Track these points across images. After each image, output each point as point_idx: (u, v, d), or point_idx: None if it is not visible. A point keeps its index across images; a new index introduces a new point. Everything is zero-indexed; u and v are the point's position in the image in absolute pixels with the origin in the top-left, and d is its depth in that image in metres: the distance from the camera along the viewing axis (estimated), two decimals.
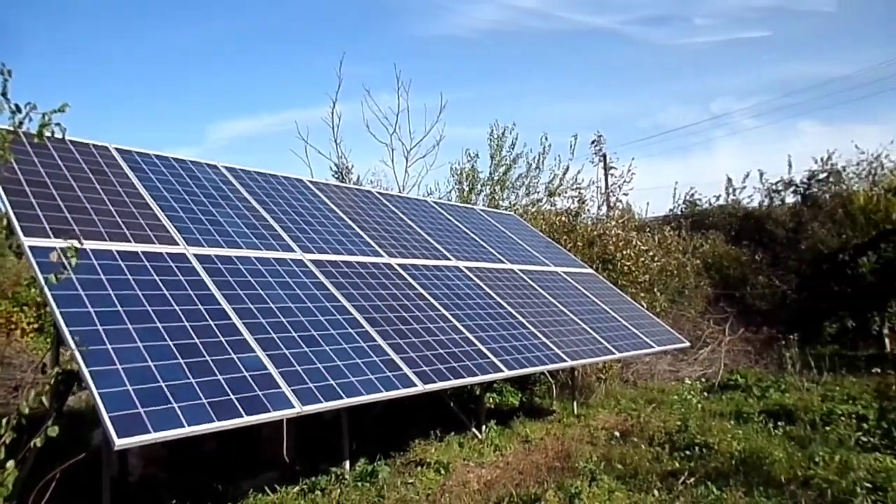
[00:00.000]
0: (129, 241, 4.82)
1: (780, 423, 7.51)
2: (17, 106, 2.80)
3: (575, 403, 9.09)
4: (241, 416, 3.79)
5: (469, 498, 5.69)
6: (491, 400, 9.48)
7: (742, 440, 6.84)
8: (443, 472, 6.42)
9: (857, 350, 14.51)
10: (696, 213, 23.03)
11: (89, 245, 4.55)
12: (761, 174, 22.41)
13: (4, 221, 4.54)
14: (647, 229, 14.41)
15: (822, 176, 20.72)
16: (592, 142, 18.08)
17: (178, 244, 5.13)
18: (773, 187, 22.43)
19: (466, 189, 15.38)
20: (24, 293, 13.81)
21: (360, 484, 5.93)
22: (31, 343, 12.16)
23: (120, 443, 3.26)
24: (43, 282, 3.99)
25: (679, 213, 23.44)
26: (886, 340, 15.19)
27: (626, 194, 15.77)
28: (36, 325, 13.12)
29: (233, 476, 6.04)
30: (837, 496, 5.21)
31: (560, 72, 39.14)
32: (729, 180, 23.22)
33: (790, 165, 21.92)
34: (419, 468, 6.48)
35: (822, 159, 20.41)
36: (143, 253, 4.78)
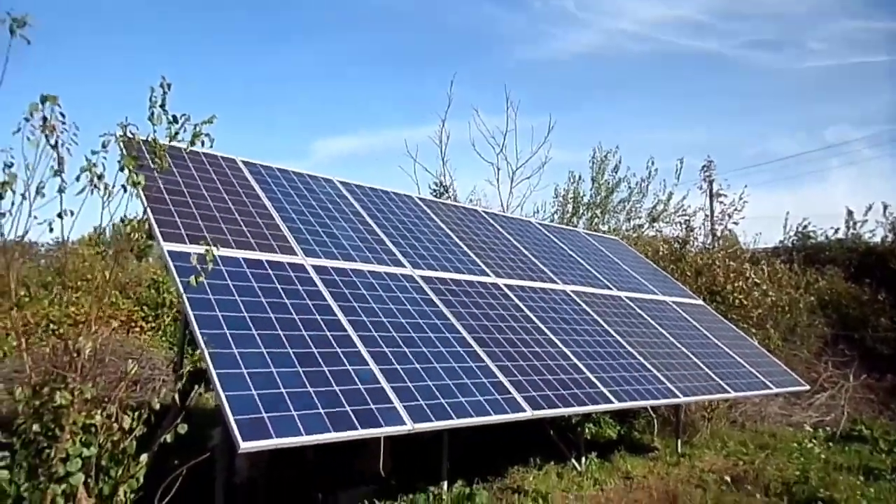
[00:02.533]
0: (255, 250, 5.00)
1: None
2: (174, 117, 2.97)
3: (679, 441, 8.62)
4: (356, 429, 3.80)
5: None
6: (588, 431, 9.16)
7: (872, 500, 6.24)
8: (541, 502, 6.23)
9: None
10: (809, 246, 21.58)
11: (219, 252, 4.75)
12: (885, 207, 20.76)
13: (146, 226, 4.83)
14: (758, 261, 13.58)
15: None
16: (703, 167, 17.42)
17: (297, 255, 5.28)
18: None
19: (570, 212, 15.14)
20: (145, 293, 14.76)
21: None
22: (149, 340, 12.94)
23: (245, 446, 3.33)
24: (180, 284, 4.19)
25: (790, 245, 22.05)
26: None
27: (735, 223, 14.96)
28: (154, 325, 13.96)
29: (331, 486, 6.09)
30: None
31: (663, 96, 38.00)
32: (850, 213, 21.64)
33: None
34: (516, 495, 6.32)
35: None
36: (267, 262, 4.95)
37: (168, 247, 4.51)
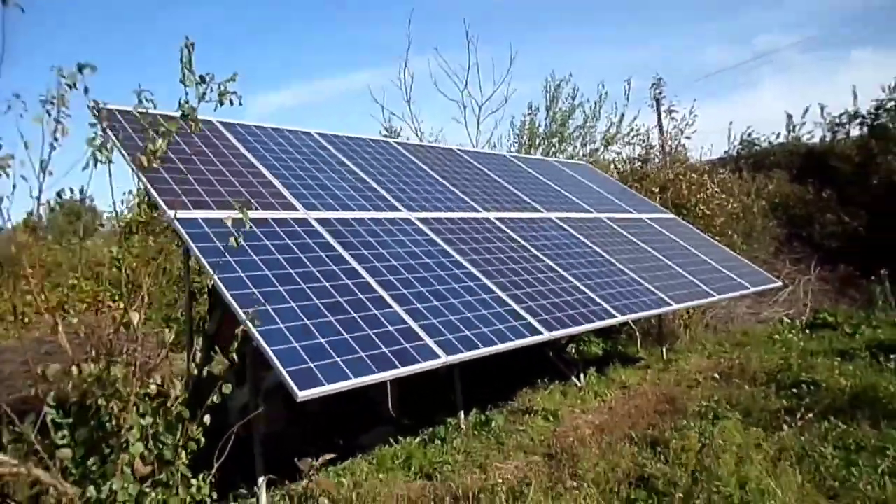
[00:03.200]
0: (257, 209, 4.99)
1: (882, 359, 7.41)
2: (201, 77, 2.93)
3: (663, 349, 9.11)
4: (398, 367, 3.95)
5: (585, 441, 5.83)
6: (574, 350, 9.57)
7: (851, 376, 6.80)
8: (551, 419, 6.57)
9: None
10: (754, 153, 22.34)
11: (223, 214, 4.72)
12: (822, 108, 21.57)
13: (145, 197, 4.75)
14: (713, 172, 14.10)
15: (889, 105, 19.82)
16: (652, 85, 17.65)
17: (297, 209, 5.29)
18: (837, 121, 21.57)
19: (526, 143, 15.27)
20: (106, 272, 14.38)
21: (476, 432, 6.13)
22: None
23: (302, 395, 3.45)
24: (197, 251, 4.19)
25: (736, 154, 22.77)
26: None
27: (688, 138, 15.38)
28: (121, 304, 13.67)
29: (349, 431, 6.28)
30: None
31: (602, 18, 37.82)
32: (789, 117, 22.41)
33: (855, 96, 20.99)
34: (527, 416, 6.64)
35: (889, 87, 19.50)
36: (273, 220, 4.95)
37: (177, 214, 4.46)
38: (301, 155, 6.29)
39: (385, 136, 15.62)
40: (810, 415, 5.77)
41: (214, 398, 3.80)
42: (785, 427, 5.37)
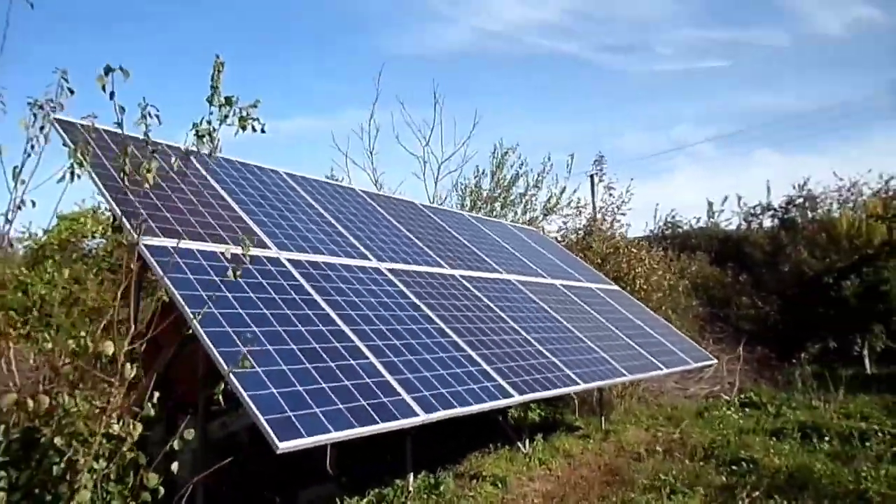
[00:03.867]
0: (228, 244, 4.74)
1: (815, 440, 7.74)
2: (226, 98, 2.78)
3: (602, 419, 9.20)
4: (377, 423, 3.76)
5: None
6: (514, 414, 9.52)
7: (785, 455, 7.05)
8: (500, 485, 6.43)
9: (838, 370, 14.95)
10: (677, 234, 23.55)
11: (194, 245, 4.45)
12: (739, 199, 23.19)
13: (110, 220, 4.42)
14: (650, 248, 14.72)
15: (798, 201, 21.51)
16: (595, 161, 18.47)
17: (270, 248, 5.07)
18: (751, 211, 23.19)
19: (469, 205, 15.52)
20: (10, 297, 13.28)
21: (426, 496, 5.91)
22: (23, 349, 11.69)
23: (283, 446, 3.20)
24: (168, 282, 3.90)
25: (660, 233, 23.92)
26: (867, 361, 15.77)
27: (623, 214, 16.04)
28: (23, 331, 12.60)
29: (286, 486, 5.92)
30: None
31: (531, 95, 39.52)
32: (710, 204, 23.90)
33: (768, 190, 22.73)
34: (475, 481, 6.48)
35: (798, 185, 21.22)
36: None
37: (146, 241, 4.17)
38: (270, 193, 6.08)
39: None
40: (756, 493, 5.90)
41: (175, 444, 3.49)
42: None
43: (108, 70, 2.61)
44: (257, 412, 3.28)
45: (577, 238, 13.09)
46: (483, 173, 16.27)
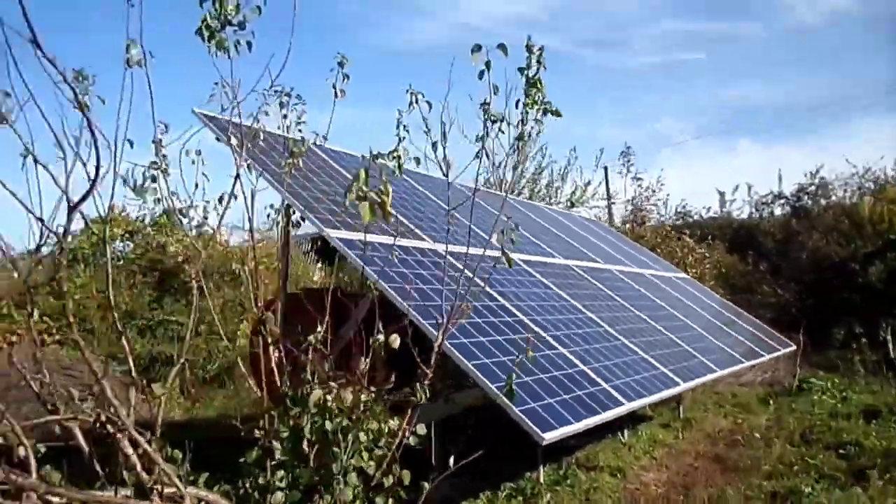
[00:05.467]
0: (387, 236, 4.63)
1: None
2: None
3: (680, 408, 9.22)
4: (599, 413, 3.71)
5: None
6: None
7: (887, 438, 7.13)
8: (618, 475, 6.43)
9: (865, 354, 15.12)
10: (689, 224, 23.74)
11: (372, 238, 4.35)
12: (749, 187, 23.51)
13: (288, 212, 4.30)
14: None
15: (811, 189, 21.84)
16: (622, 153, 18.58)
17: (425, 240, 4.96)
18: (762, 200, 23.49)
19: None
20: (43, 302, 12.94)
21: (557, 488, 5.89)
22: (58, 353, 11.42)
23: (548, 437, 3.12)
24: (372, 272, 3.79)
25: (671, 224, 24.11)
26: (890, 345, 16.02)
27: (654, 205, 16.14)
28: (59, 336, 12.31)
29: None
30: None
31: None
32: (721, 193, 24.18)
33: (780, 179, 23.10)
34: (592, 472, 6.46)
35: (811, 173, 21.57)
36: (413, 248, 4.60)
37: (336, 234, 4.05)
38: (397, 187, 5.98)
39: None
40: (887, 474, 5.92)
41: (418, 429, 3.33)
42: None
43: None
44: (514, 407, 3.19)
45: (630, 227, 13.11)
46: (504, 165, 16.25)
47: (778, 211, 23.38)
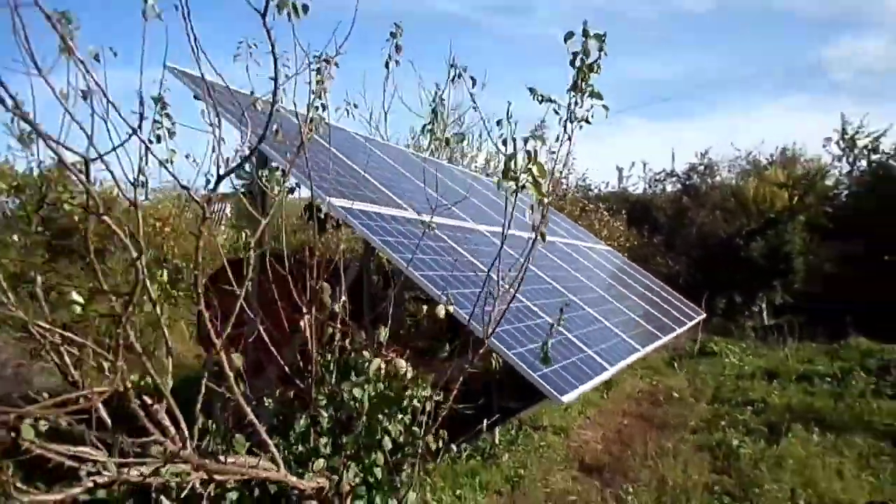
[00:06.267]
0: (379, 205, 4.65)
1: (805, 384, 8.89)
2: None
3: None
4: (597, 375, 3.98)
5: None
6: None
7: (787, 396, 8.07)
8: (561, 434, 6.91)
9: (742, 322, 16.69)
10: (589, 197, 24.91)
11: (365, 206, 4.35)
12: (644, 164, 25.01)
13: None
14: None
15: (700, 168, 23.56)
16: (536, 126, 18.92)
17: (407, 210, 5.01)
18: (656, 177, 25.07)
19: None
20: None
21: (512, 448, 6.24)
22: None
23: (566, 399, 3.35)
24: (379, 242, 3.82)
25: (574, 196, 25.18)
26: (764, 314, 17.86)
27: (565, 177, 16.82)
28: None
29: None
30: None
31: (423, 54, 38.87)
32: (619, 170, 25.51)
33: (673, 158, 24.67)
34: (538, 431, 6.89)
35: (700, 154, 23.25)
36: (401, 217, 4.65)
37: (339, 203, 4.02)
38: (362, 153, 5.94)
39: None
40: (793, 425, 6.72)
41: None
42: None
43: None
44: (528, 369, 3.39)
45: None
46: (420, 131, 16.35)
47: (670, 188, 25.09)
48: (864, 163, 20.24)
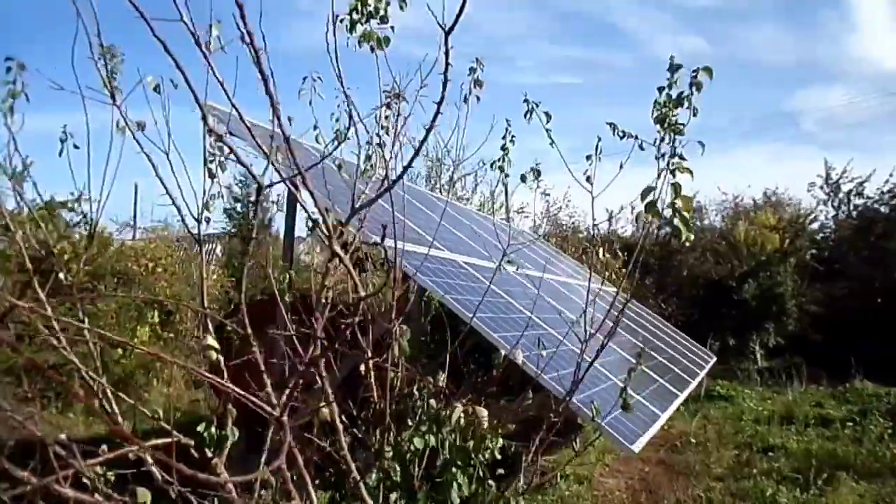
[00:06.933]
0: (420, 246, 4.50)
1: (809, 427, 8.76)
2: None
3: None
4: (651, 425, 3.80)
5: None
6: None
7: (806, 442, 7.90)
8: (584, 483, 6.67)
9: (735, 366, 16.59)
10: (580, 239, 24.98)
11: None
12: (633, 208, 25.12)
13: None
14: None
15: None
16: (531, 169, 19.06)
17: (442, 250, 4.86)
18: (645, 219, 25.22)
19: None
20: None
21: (538, 498, 6.00)
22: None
23: (636, 447, 3.17)
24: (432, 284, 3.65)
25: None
26: (758, 356, 17.82)
27: (562, 220, 16.87)
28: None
29: None
30: None
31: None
32: (609, 212, 25.58)
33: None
34: (562, 480, 6.64)
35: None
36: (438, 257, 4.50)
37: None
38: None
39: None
40: (823, 475, 6.52)
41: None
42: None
43: None
44: (604, 425, 3.21)
45: (553, 241, 13.59)
46: (419, 175, 16.41)
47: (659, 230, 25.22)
48: (847, 207, 20.61)
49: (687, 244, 1.80)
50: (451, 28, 2.01)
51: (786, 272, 17.85)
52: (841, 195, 20.78)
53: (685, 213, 1.99)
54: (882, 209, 19.13)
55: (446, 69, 2.05)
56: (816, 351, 14.84)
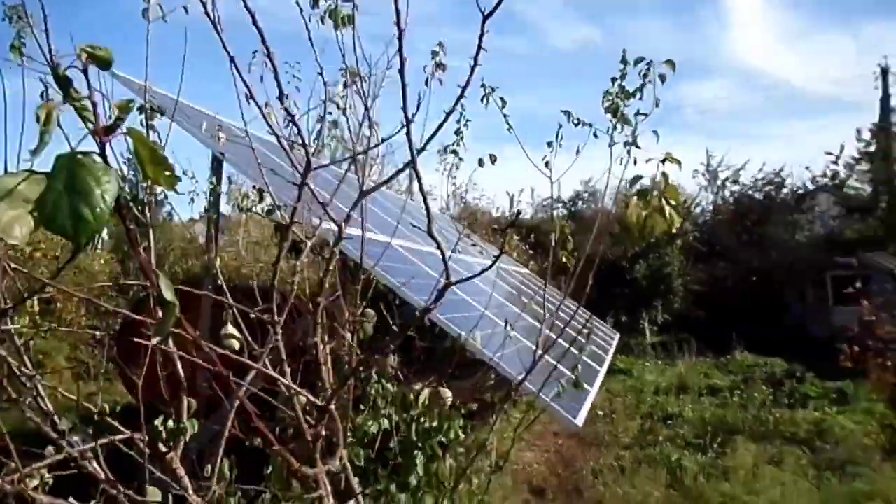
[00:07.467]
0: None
1: (699, 396, 9.47)
2: None
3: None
4: (585, 399, 3.97)
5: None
6: None
7: (699, 410, 8.53)
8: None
9: (628, 340, 17.63)
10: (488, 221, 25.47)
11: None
12: (532, 191, 26.07)
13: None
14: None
15: (584, 196, 24.89)
16: (438, 151, 19.10)
17: (375, 231, 4.81)
18: (543, 204, 26.16)
19: None
20: None
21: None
22: None
23: (578, 421, 3.30)
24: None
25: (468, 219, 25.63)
26: (647, 332, 18.98)
27: (468, 202, 17.10)
28: None
29: None
30: (803, 440, 7.11)
31: None
32: (511, 196, 26.35)
33: (559, 185, 25.81)
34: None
35: (585, 182, 24.60)
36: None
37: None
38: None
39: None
40: (718, 438, 7.07)
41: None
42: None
43: None
44: (545, 398, 3.32)
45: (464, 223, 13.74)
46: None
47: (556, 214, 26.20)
48: (726, 193, 22.32)
49: (674, 230, 1.85)
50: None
51: (673, 253, 19.07)
52: (719, 182, 22.49)
53: (672, 202, 2.06)
54: (756, 195, 20.79)
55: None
56: (699, 327, 16.03)
